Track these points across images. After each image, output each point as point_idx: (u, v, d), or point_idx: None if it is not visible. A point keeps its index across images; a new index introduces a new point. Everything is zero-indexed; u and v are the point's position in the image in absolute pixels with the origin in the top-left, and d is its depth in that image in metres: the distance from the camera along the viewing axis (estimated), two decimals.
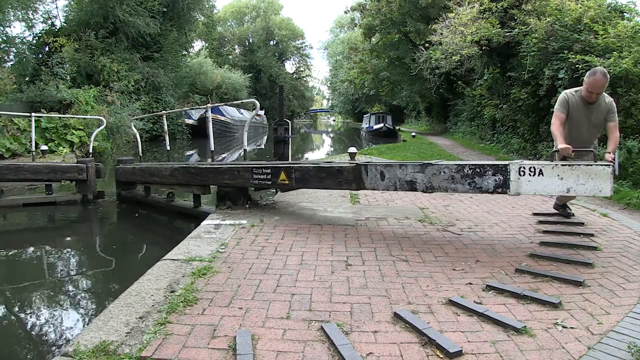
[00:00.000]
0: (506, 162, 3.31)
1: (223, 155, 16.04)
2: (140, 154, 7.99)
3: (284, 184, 4.53)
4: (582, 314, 2.38)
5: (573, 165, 3.13)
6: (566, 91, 4.01)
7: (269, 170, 4.59)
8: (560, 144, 3.63)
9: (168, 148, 7.50)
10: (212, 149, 6.45)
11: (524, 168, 3.20)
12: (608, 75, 3.77)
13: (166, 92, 21.90)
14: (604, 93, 3.84)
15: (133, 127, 8.16)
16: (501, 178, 3.27)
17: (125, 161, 7.34)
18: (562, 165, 3.15)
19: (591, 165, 3.09)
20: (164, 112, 8.24)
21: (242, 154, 6.23)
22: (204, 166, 5.39)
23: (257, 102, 5.90)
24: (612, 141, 3.69)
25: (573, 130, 4.00)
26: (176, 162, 7.03)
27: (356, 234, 4.01)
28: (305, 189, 5.42)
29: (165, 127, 7.33)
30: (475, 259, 3.30)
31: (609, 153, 3.45)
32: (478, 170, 3.37)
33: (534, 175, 3.19)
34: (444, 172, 3.52)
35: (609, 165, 3.07)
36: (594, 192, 3.11)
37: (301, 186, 4.63)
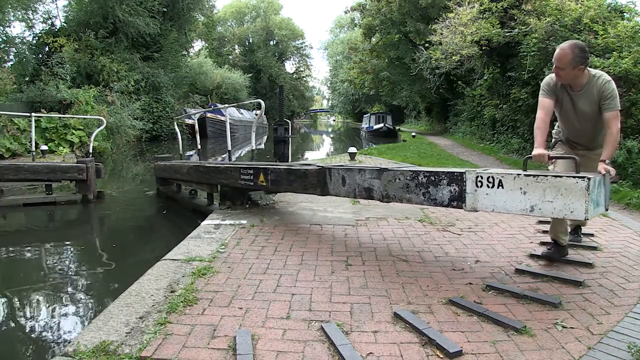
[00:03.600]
0: (462, 170, 2.80)
1: (223, 156, 16.02)
2: (181, 152, 8.04)
3: (263, 186, 4.48)
4: (582, 314, 2.38)
5: (539, 176, 2.44)
6: (551, 74, 3.05)
7: (251, 171, 4.56)
8: (535, 149, 2.78)
9: (199, 146, 7.58)
10: (230, 148, 6.53)
11: (482, 177, 2.64)
12: (579, 47, 2.83)
13: (166, 92, 21.91)
14: (598, 74, 2.92)
15: (175, 126, 8.33)
16: (457, 189, 2.76)
17: (163, 158, 7.48)
18: (526, 175, 2.48)
19: (561, 177, 2.37)
20: (194, 111, 8.40)
21: (250, 153, 6.32)
22: (208, 165, 5.43)
23: (262, 102, 5.93)
24: (609, 143, 2.79)
25: (565, 126, 3.22)
26: (192, 161, 7.11)
27: (356, 233, 4.01)
28: None
29: (196, 126, 7.49)
30: (475, 259, 3.30)
31: (603, 161, 2.68)
32: (433, 179, 2.89)
33: (492, 187, 2.60)
34: (399, 180, 3.10)
35: (584, 178, 2.29)
36: (563, 213, 2.37)
37: (275, 189, 4.54)
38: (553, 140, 3.37)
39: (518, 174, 2.52)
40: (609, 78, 2.89)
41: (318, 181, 3.82)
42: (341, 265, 3.14)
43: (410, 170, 3.06)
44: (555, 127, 3.42)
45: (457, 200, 2.76)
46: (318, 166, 3.92)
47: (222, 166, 5.11)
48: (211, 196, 5.90)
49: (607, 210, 2.55)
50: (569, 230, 3.37)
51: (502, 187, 2.57)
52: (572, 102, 3.02)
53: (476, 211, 2.74)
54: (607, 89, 2.84)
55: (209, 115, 22.39)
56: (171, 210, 6.91)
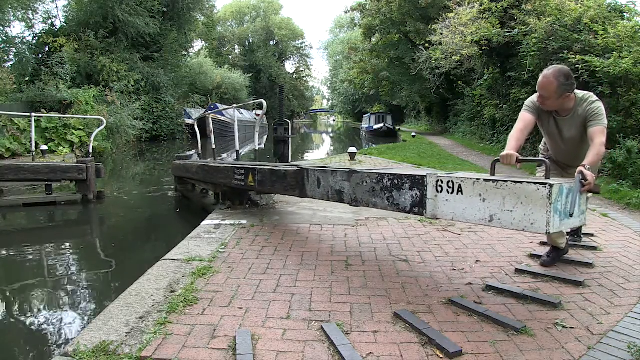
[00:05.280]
0: (424, 173, 2.61)
1: (223, 156, 16.04)
2: (199, 152, 8.07)
3: (251, 186, 4.44)
4: (582, 314, 2.38)
5: (498, 181, 2.19)
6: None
7: (242, 172, 4.53)
8: (505, 151, 2.58)
9: (213, 146, 7.58)
10: (238, 148, 6.53)
11: (442, 182, 2.43)
12: (564, 74, 2.68)
13: (166, 92, 21.94)
14: (585, 96, 2.78)
15: (196, 127, 8.43)
16: (418, 194, 2.57)
17: (182, 157, 7.50)
18: (485, 181, 2.24)
19: (521, 182, 2.11)
20: (208, 112, 8.40)
21: (254, 154, 6.34)
22: (212, 165, 5.45)
23: (264, 102, 5.94)
24: (592, 151, 2.57)
25: (551, 147, 3.14)
26: (200, 160, 7.11)
27: (356, 234, 4.01)
28: None
29: (211, 125, 7.53)
30: (475, 259, 3.30)
31: (583, 166, 2.36)
32: (396, 182, 2.70)
33: (452, 192, 2.38)
34: (366, 183, 2.93)
35: (546, 185, 2.03)
36: (523, 225, 2.10)
37: (261, 189, 4.48)
38: (541, 156, 3.24)
39: (478, 179, 2.28)
40: (595, 98, 2.77)
41: (296, 182, 3.69)
42: (341, 265, 3.14)
43: (376, 173, 2.88)
44: (542, 143, 3.31)
45: (418, 206, 2.57)
46: (297, 167, 3.79)
47: (222, 166, 5.12)
48: (218, 195, 5.93)
49: (578, 220, 2.22)
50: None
51: (462, 193, 2.34)
52: (557, 127, 2.92)
53: (437, 219, 2.53)
54: (592, 109, 2.71)
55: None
56: (185, 209, 6.96)
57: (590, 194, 2.48)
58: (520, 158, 2.49)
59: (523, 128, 2.79)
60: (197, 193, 7.00)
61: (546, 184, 2.04)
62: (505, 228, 2.22)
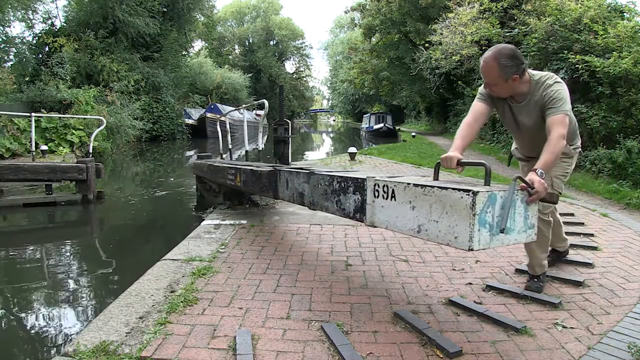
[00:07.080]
0: (364, 176, 2.37)
1: (224, 156, 16.04)
2: (221, 151, 8.05)
3: (239, 186, 4.44)
4: (582, 314, 2.38)
5: (426, 187, 1.93)
6: None
7: (233, 172, 4.52)
8: (449, 152, 2.22)
9: (230, 146, 7.56)
10: (247, 148, 6.52)
11: (379, 186, 2.20)
12: (505, 55, 2.26)
13: (166, 92, 21.93)
14: (543, 77, 2.37)
15: (218, 127, 8.46)
16: (359, 198, 2.36)
17: (202, 156, 7.49)
18: (415, 186, 1.98)
19: (446, 189, 1.83)
20: (224, 114, 8.47)
21: (258, 154, 6.36)
22: (217, 165, 5.47)
23: (266, 102, 5.93)
24: (547, 148, 2.13)
25: (514, 137, 2.84)
26: (210, 159, 7.12)
27: (356, 234, 4.01)
28: None
29: (227, 125, 7.56)
30: (475, 259, 3.30)
31: (534, 170, 2.00)
32: (343, 186, 2.51)
33: (387, 198, 2.15)
34: (320, 185, 2.75)
35: (469, 192, 1.72)
36: (448, 239, 1.82)
37: (245, 189, 4.47)
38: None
39: (408, 184, 2.02)
40: (555, 80, 2.34)
41: (270, 183, 3.60)
42: (341, 265, 3.14)
43: (328, 175, 2.68)
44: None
45: (359, 211, 2.37)
46: (271, 168, 3.68)
47: (220, 165, 5.13)
48: (224, 195, 5.94)
49: (522, 236, 1.88)
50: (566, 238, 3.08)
51: (395, 199, 2.10)
52: (512, 115, 2.54)
53: (374, 226, 2.28)
54: (549, 94, 2.29)
55: (208, 115, 22.40)
56: (199, 207, 6.96)
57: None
58: (462, 161, 2.14)
59: (472, 122, 2.41)
60: (211, 192, 7.01)
61: (470, 191, 1.72)
62: (432, 241, 1.95)
